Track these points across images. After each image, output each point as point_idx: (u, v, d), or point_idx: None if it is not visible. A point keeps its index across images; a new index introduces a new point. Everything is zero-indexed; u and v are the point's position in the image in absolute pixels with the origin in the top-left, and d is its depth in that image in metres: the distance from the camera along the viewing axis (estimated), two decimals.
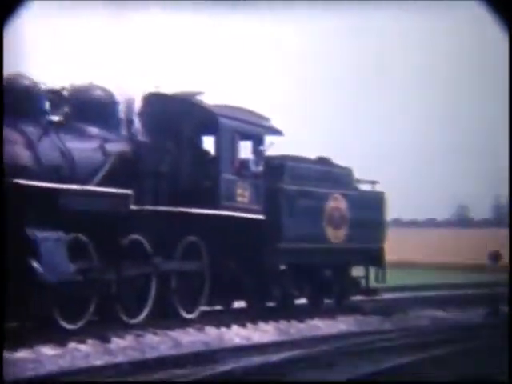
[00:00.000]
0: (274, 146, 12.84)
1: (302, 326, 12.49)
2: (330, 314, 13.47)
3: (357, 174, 14.79)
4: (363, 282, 14.94)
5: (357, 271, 15.04)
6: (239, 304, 13.63)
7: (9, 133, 9.56)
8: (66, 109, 10.44)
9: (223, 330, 11.18)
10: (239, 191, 12.16)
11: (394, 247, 17.18)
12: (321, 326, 12.70)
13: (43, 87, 10.19)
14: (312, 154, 13.97)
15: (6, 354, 8.34)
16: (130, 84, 11.01)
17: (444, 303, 15.65)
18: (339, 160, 14.62)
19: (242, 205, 12.23)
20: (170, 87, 11.96)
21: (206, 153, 12.35)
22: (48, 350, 8.79)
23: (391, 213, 16.56)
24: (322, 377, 7.96)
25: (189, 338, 10.41)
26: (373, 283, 15.07)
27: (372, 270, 15.04)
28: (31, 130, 9.79)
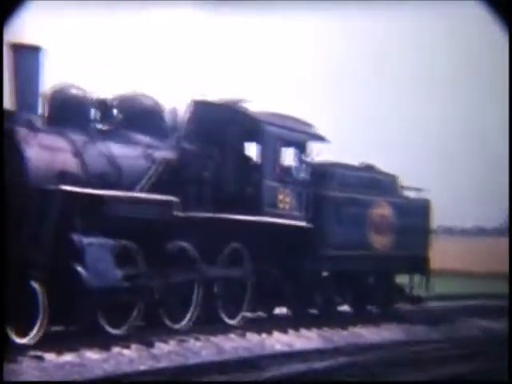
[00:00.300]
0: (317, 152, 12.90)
1: (345, 333, 12.49)
2: (373, 321, 13.44)
3: (402, 181, 14.74)
4: (408, 289, 14.85)
5: (402, 279, 14.96)
6: (281, 310, 13.69)
7: (57, 140, 9.82)
8: (113, 117, 10.67)
9: (265, 336, 11.25)
10: (282, 198, 12.25)
11: (440, 255, 17.01)
12: (364, 334, 12.69)
13: (91, 96, 10.44)
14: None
15: (52, 358, 8.55)
16: (174, 92, 11.21)
17: (491, 313, 15.44)
18: (384, 167, 14.60)
19: (285, 211, 12.31)
20: (209, 94, 12.12)
21: (249, 159, 12.47)
22: (93, 355, 8.97)
23: (437, 220, 16.41)
24: None
25: (231, 344, 10.52)
26: (418, 291, 14.96)
27: (417, 278, 14.94)
28: (78, 138, 10.04)
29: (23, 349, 8.64)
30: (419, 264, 14.81)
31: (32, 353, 8.55)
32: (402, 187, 14.85)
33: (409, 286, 14.89)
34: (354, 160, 14.10)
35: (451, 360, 9.52)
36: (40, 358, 8.48)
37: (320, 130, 13.13)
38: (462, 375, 8.41)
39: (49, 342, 8.96)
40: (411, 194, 15.07)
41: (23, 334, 8.90)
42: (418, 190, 15.14)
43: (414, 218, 14.63)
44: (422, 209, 15.03)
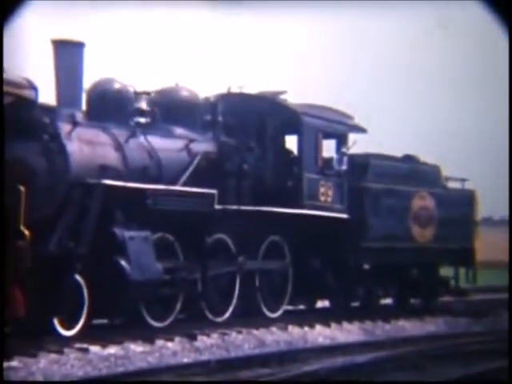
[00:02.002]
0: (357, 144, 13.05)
1: (387, 326, 12.66)
2: (416, 314, 13.56)
3: (446, 171, 14.80)
4: (452, 282, 14.92)
5: (447, 271, 15.02)
6: (323, 303, 13.88)
7: (98, 134, 10.14)
8: (153, 110, 10.95)
9: (306, 329, 11.47)
10: (322, 190, 12.43)
11: (486, 247, 16.99)
12: (407, 327, 12.83)
13: (131, 89, 10.72)
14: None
15: (97, 350, 8.89)
16: (212, 85, 11.43)
17: None
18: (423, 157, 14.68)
19: (325, 204, 12.49)
20: (247, 86, 12.32)
21: (289, 152, 12.67)
22: (137, 347, 9.28)
23: (482, 211, 16.42)
24: (409, 379, 8.10)
25: (272, 337, 10.76)
26: (463, 284, 15.02)
27: (462, 270, 14.99)
28: (119, 132, 10.35)
29: (69, 341, 9.00)
30: (464, 256, 14.85)
31: (78, 345, 8.91)
32: (446, 178, 14.89)
33: (454, 279, 14.94)
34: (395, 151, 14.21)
35: (494, 353, 9.60)
36: (85, 350, 8.83)
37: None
38: (504, 368, 8.49)
39: (93, 335, 9.32)
40: (456, 185, 15.11)
41: (68, 327, 9.27)
42: (462, 180, 15.16)
43: (458, 209, 14.68)
44: (466, 199, 15.05)
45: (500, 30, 5.05)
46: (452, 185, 15.14)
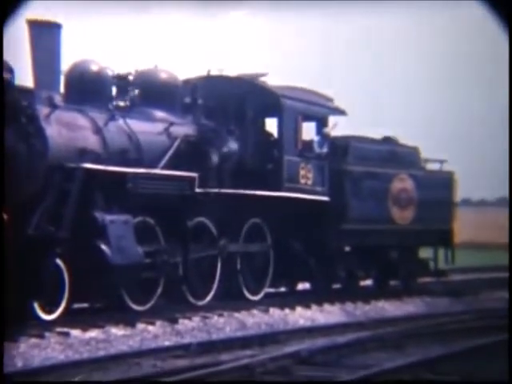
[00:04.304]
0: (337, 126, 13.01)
1: (367, 307, 12.69)
2: (396, 295, 13.62)
3: (424, 153, 14.82)
4: (432, 263, 14.99)
5: (426, 252, 15.09)
6: (304, 286, 13.89)
7: (77, 118, 10.00)
8: (132, 93, 10.81)
9: (287, 311, 11.47)
10: (303, 173, 12.39)
11: (464, 228, 17.09)
12: (387, 308, 12.88)
13: (110, 72, 10.57)
14: None
15: (78, 334, 8.82)
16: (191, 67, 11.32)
17: None
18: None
19: (306, 186, 12.45)
20: (227, 68, 12.23)
21: (269, 135, 12.60)
22: (118, 331, 9.22)
23: (460, 193, 16.48)
24: (390, 359, 8.12)
25: (254, 320, 10.75)
26: (442, 264, 15.10)
27: (441, 251, 15.07)
28: (98, 115, 10.22)
29: (49, 325, 8.92)
30: (443, 237, 14.92)
31: (58, 329, 8.82)
32: (425, 160, 14.91)
33: (433, 260, 15.02)
34: (374, 133, 14.22)
35: (475, 332, 9.66)
36: (66, 334, 8.76)
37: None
38: (485, 346, 8.54)
39: (74, 319, 9.25)
40: (435, 166, 15.14)
41: (49, 311, 9.18)
42: (441, 161, 15.19)
43: (437, 190, 14.72)
44: (445, 181, 15.10)
45: (495, 22, 5.01)
46: (431, 166, 15.18)
